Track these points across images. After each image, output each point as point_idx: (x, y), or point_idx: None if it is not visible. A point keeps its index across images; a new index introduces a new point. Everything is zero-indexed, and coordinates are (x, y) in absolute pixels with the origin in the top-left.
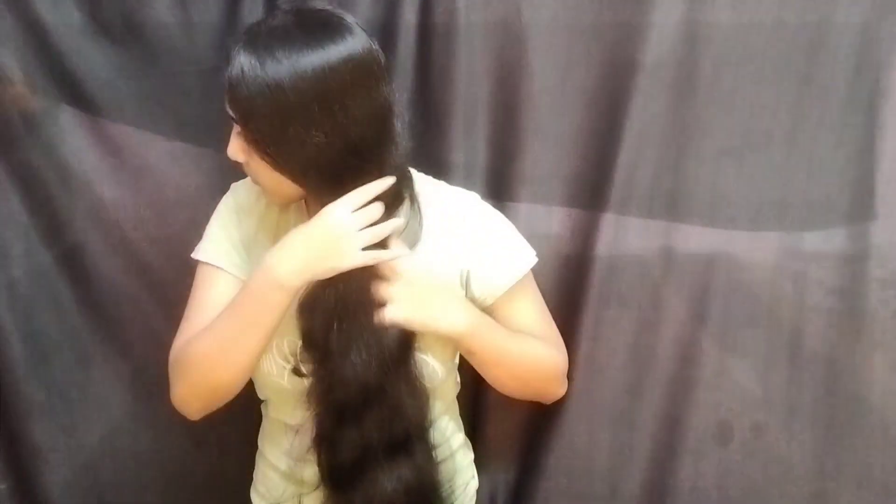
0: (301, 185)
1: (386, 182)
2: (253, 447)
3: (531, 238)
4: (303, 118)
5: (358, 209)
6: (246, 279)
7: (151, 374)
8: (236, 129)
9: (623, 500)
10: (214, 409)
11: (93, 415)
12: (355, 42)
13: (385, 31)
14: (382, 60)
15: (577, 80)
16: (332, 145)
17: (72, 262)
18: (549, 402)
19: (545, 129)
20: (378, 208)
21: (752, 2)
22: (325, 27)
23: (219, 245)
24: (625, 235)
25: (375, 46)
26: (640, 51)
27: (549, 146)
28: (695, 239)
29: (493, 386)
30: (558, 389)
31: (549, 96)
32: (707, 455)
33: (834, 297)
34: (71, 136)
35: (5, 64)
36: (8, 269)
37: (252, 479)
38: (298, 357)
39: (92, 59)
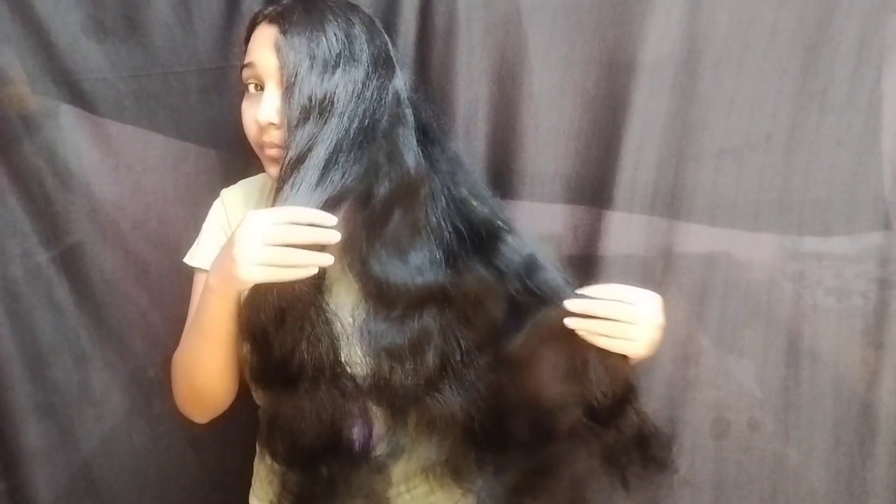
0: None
1: (328, 218)
2: (252, 451)
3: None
4: (347, 70)
5: (284, 224)
6: None
7: (150, 375)
8: (273, 88)
9: (622, 497)
10: (215, 413)
11: (91, 415)
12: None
13: (385, 31)
14: None
15: (577, 80)
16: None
17: (71, 261)
18: None
19: (545, 128)
20: (305, 232)
21: (752, 2)
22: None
23: (210, 251)
24: (625, 235)
25: None
26: (640, 51)
27: (549, 145)
28: (694, 238)
29: None
30: None
31: (549, 96)
32: (704, 452)
33: (833, 297)
34: (70, 135)
35: (5, 63)
36: (6, 269)
37: (251, 482)
38: None
39: (92, 58)
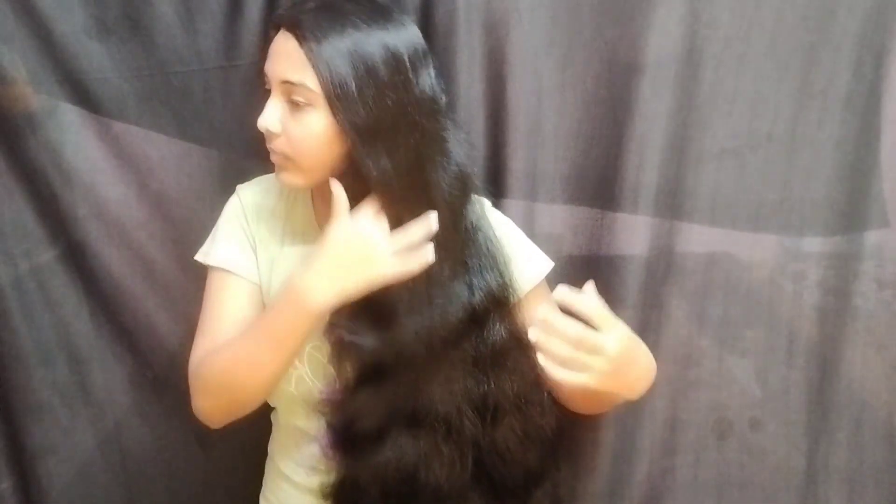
0: (355, 144)
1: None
2: (263, 453)
3: (532, 237)
4: (379, 74)
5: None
6: (269, 296)
7: (154, 374)
8: (277, 95)
9: (624, 498)
10: (237, 419)
11: (94, 415)
12: (409, 21)
13: None
14: None
15: (578, 80)
16: (401, 105)
17: (74, 260)
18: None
19: (545, 128)
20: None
21: (752, 2)
22: (384, 5)
23: (227, 249)
24: (626, 235)
25: None
26: (640, 51)
27: (549, 145)
28: (695, 239)
29: (582, 410)
30: None
31: (550, 96)
32: (706, 453)
33: (833, 298)
34: (74, 135)
35: (8, 62)
36: (10, 268)
37: (260, 483)
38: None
39: (95, 58)
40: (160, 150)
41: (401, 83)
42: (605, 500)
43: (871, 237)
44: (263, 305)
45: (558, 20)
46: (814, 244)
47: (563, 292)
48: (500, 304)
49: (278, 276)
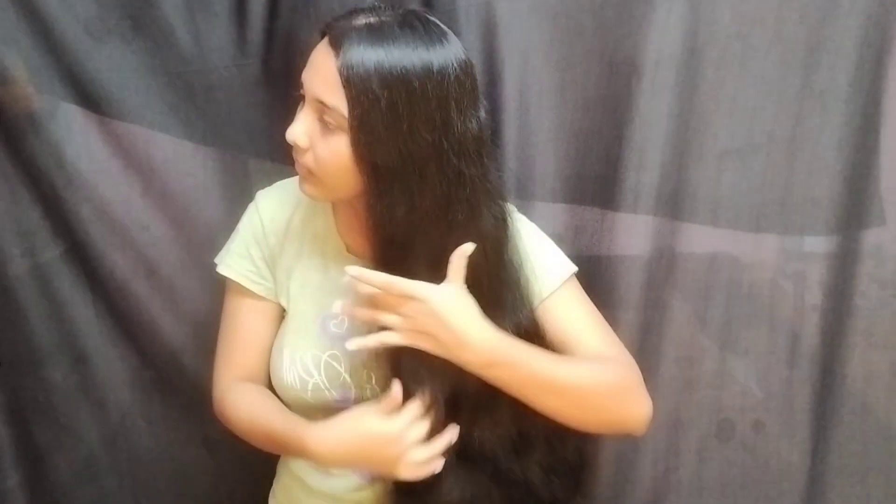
0: (375, 180)
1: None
2: (268, 452)
3: None
4: (418, 111)
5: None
6: (288, 303)
7: (157, 373)
8: (309, 111)
9: (627, 499)
10: None
11: (98, 413)
12: (461, 51)
13: None
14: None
15: (578, 80)
16: (436, 145)
17: (77, 260)
18: (638, 429)
19: (545, 128)
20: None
21: (753, 2)
22: (439, 30)
23: (241, 263)
24: (626, 235)
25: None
26: (641, 51)
27: (549, 145)
28: (696, 239)
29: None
30: (637, 409)
31: (550, 96)
32: (709, 453)
33: (834, 298)
34: (77, 135)
35: (11, 63)
36: (12, 267)
37: (266, 486)
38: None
39: (98, 58)
40: (163, 150)
41: (440, 121)
42: (607, 500)
43: (870, 236)
44: (280, 317)
45: (558, 20)
46: (814, 244)
47: (355, 272)
48: (530, 336)
49: (296, 285)
